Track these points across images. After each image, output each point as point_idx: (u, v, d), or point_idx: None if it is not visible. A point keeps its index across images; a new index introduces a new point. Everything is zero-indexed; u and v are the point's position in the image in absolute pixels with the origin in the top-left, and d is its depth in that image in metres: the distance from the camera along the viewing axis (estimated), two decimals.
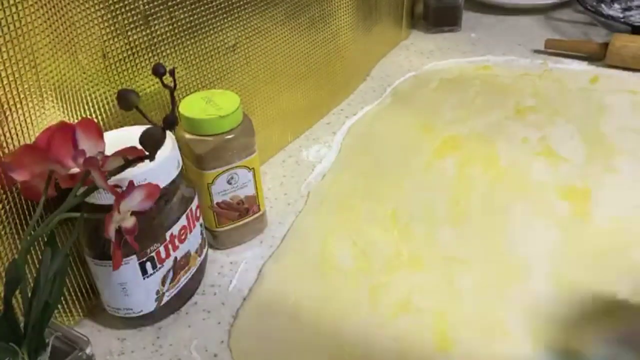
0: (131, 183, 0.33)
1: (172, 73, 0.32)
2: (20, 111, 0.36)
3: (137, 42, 0.45)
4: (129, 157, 0.32)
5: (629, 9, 0.87)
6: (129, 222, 0.34)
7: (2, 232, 0.37)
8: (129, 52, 0.45)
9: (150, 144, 0.32)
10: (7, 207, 0.37)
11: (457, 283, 0.46)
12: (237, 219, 0.50)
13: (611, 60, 0.75)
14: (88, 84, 0.43)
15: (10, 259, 0.38)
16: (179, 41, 0.48)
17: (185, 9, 0.48)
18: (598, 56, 0.77)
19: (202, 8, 0.49)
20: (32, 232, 0.32)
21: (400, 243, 0.50)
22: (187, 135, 0.46)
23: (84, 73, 0.42)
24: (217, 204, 0.49)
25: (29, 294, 0.33)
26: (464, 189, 0.56)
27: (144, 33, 0.45)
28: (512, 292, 0.45)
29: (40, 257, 0.37)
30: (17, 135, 0.36)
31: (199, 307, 0.46)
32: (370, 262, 0.49)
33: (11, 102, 0.36)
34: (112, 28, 0.43)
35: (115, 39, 0.43)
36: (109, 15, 0.42)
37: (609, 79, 0.74)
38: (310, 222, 0.53)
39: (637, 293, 0.44)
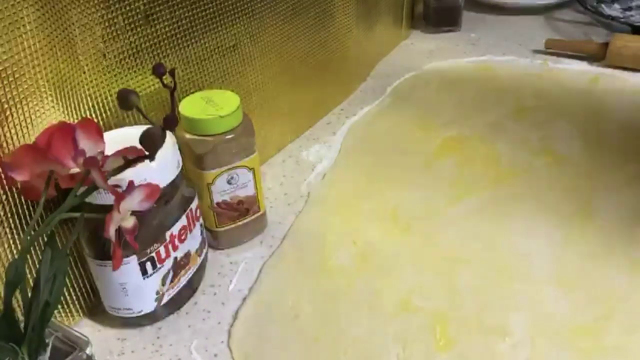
0: (131, 183, 0.33)
1: (172, 73, 0.32)
2: (20, 111, 0.36)
3: (137, 42, 0.45)
4: (129, 157, 0.32)
5: (629, 9, 0.87)
6: (129, 222, 0.33)
7: (2, 232, 0.37)
8: (129, 52, 0.45)
9: (150, 144, 0.32)
10: (7, 207, 0.37)
11: (457, 283, 0.46)
12: (237, 219, 0.50)
13: (611, 60, 0.75)
14: (88, 84, 0.43)
15: (10, 259, 0.38)
16: (179, 41, 0.48)
17: (185, 9, 0.48)
18: (598, 56, 0.77)
19: (203, 8, 0.49)
20: (32, 232, 0.32)
21: (400, 243, 0.50)
22: (187, 135, 0.46)
23: (84, 73, 0.42)
24: (217, 204, 0.49)
25: (29, 294, 0.33)
26: (464, 189, 0.56)
27: (144, 33, 0.45)
28: (512, 291, 0.45)
29: (40, 257, 0.37)
30: (17, 135, 0.36)
31: (199, 307, 0.46)
32: (370, 262, 0.49)
33: (11, 102, 0.36)
34: (112, 28, 0.43)
35: (115, 39, 0.43)
36: (109, 15, 0.42)
37: (609, 79, 0.74)
38: (310, 222, 0.53)
39: (636, 292, 0.44)
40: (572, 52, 0.79)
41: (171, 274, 0.43)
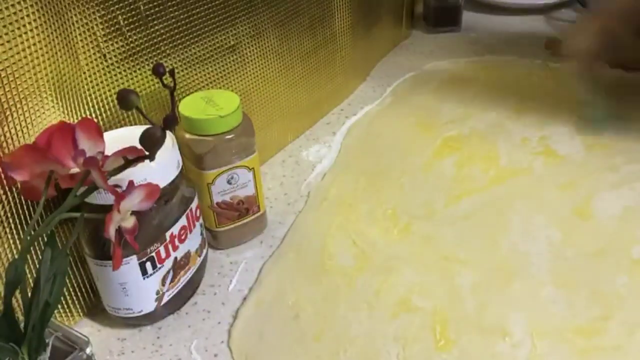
0: (131, 183, 0.33)
1: (172, 73, 0.32)
2: (20, 111, 0.36)
3: (137, 42, 0.45)
4: (129, 157, 0.32)
5: None
6: (129, 222, 0.33)
7: (2, 232, 0.37)
8: (129, 52, 0.45)
9: (150, 144, 0.32)
10: (7, 207, 0.37)
11: (457, 283, 0.46)
12: (237, 219, 0.50)
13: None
14: (88, 84, 0.43)
15: (10, 259, 0.38)
16: (179, 41, 0.48)
17: (185, 9, 0.48)
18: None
19: (202, 8, 0.49)
20: (32, 232, 0.32)
21: (400, 243, 0.50)
22: (187, 135, 0.46)
23: (84, 73, 0.42)
24: (217, 204, 0.49)
25: (29, 294, 0.33)
26: (464, 189, 0.56)
27: (143, 33, 0.45)
28: (512, 291, 0.45)
29: (40, 257, 0.37)
30: (17, 135, 0.36)
31: (199, 307, 0.46)
32: (370, 262, 0.49)
33: (11, 102, 0.36)
34: (112, 28, 0.43)
35: (115, 39, 0.43)
36: (109, 16, 0.42)
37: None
38: (310, 222, 0.53)
39: (636, 292, 0.44)
40: None
41: (171, 274, 0.43)
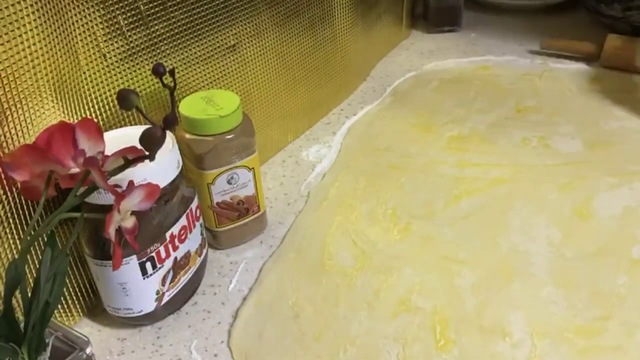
0: (131, 183, 0.33)
1: (172, 73, 0.32)
2: (20, 111, 0.36)
3: (136, 42, 0.45)
4: (129, 157, 0.32)
5: (629, 9, 0.87)
6: (129, 222, 0.33)
7: (2, 232, 0.37)
8: (129, 52, 0.45)
9: (150, 144, 0.32)
10: (7, 207, 0.37)
11: (457, 283, 0.46)
12: (237, 219, 0.50)
13: (605, 62, 0.75)
14: (88, 84, 0.43)
15: (10, 259, 0.38)
16: (179, 41, 0.48)
17: (184, 9, 0.48)
18: (593, 57, 0.77)
19: (202, 8, 0.49)
20: (32, 232, 0.32)
21: (400, 243, 0.50)
22: (187, 135, 0.46)
23: (84, 73, 0.42)
24: (217, 204, 0.49)
25: (29, 294, 0.33)
26: (464, 189, 0.56)
27: (143, 33, 0.45)
28: (512, 291, 0.45)
29: (40, 257, 0.37)
30: (17, 135, 0.36)
31: (199, 307, 0.46)
32: (370, 262, 0.49)
33: (11, 102, 0.36)
34: (112, 28, 0.43)
35: (115, 39, 0.43)
36: (109, 16, 0.42)
37: (608, 78, 0.74)
38: (310, 222, 0.53)
39: (636, 292, 0.44)
40: (568, 53, 0.79)
41: (171, 274, 0.43)
